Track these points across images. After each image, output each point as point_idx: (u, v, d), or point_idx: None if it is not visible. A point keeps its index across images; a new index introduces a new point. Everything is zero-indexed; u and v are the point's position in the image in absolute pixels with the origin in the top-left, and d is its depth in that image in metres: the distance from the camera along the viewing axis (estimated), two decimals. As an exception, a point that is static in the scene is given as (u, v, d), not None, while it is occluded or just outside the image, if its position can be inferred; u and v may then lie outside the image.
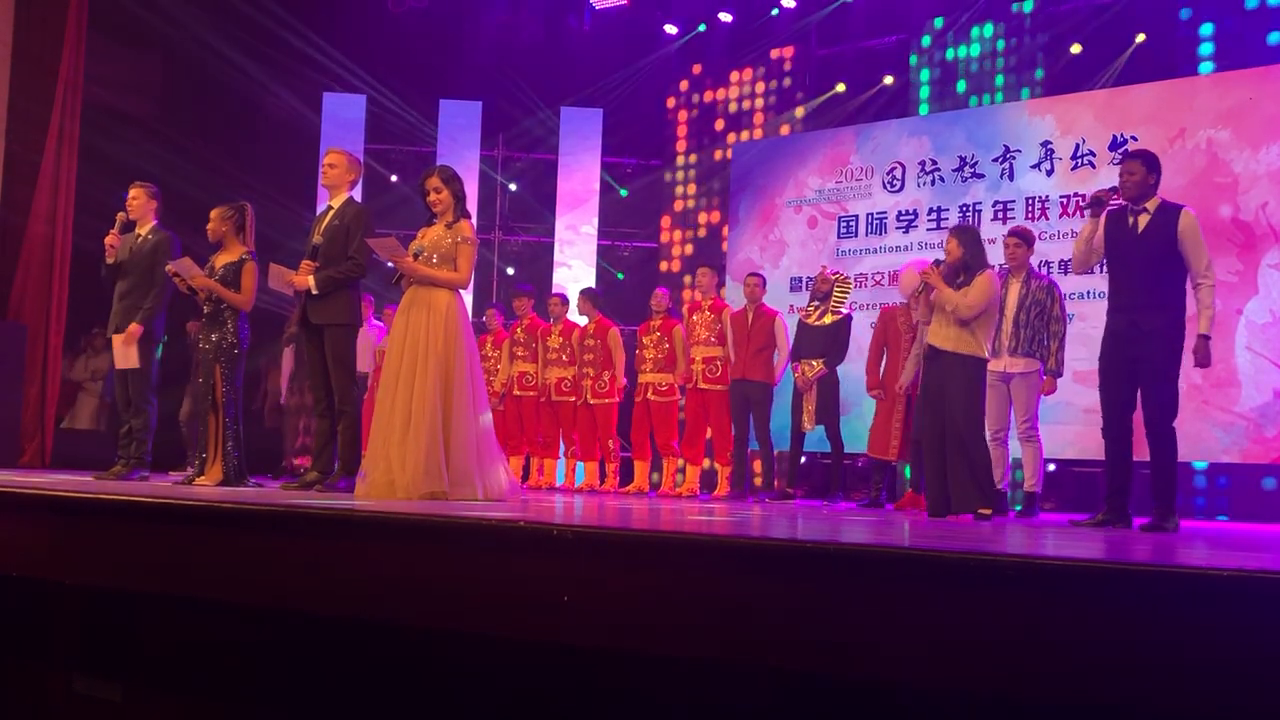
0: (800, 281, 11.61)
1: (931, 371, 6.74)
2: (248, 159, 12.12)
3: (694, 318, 9.49)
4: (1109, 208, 6.08)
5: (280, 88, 12.62)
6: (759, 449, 9.29)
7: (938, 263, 6.88)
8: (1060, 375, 7.57)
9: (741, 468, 9.27)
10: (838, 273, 9.37)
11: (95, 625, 4.30)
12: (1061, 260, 10.06)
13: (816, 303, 9.05)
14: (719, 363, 9.30)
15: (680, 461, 9.87)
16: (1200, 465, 9.51)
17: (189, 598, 3.92)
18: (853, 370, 9.33)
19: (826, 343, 8.87)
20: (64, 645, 4.36)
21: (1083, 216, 9.96)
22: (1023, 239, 7.63)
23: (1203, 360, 5.78)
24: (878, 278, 11.07)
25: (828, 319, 8.90)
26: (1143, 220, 5.85)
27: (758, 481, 9.88)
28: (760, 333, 9.15)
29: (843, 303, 9.07)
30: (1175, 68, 10.27)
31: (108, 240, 7.35)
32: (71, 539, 4.31)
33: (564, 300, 10.61)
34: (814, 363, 8.80)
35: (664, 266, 13.29)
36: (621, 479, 10.16)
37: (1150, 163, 5.91)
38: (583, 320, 10.34)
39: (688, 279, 12.82)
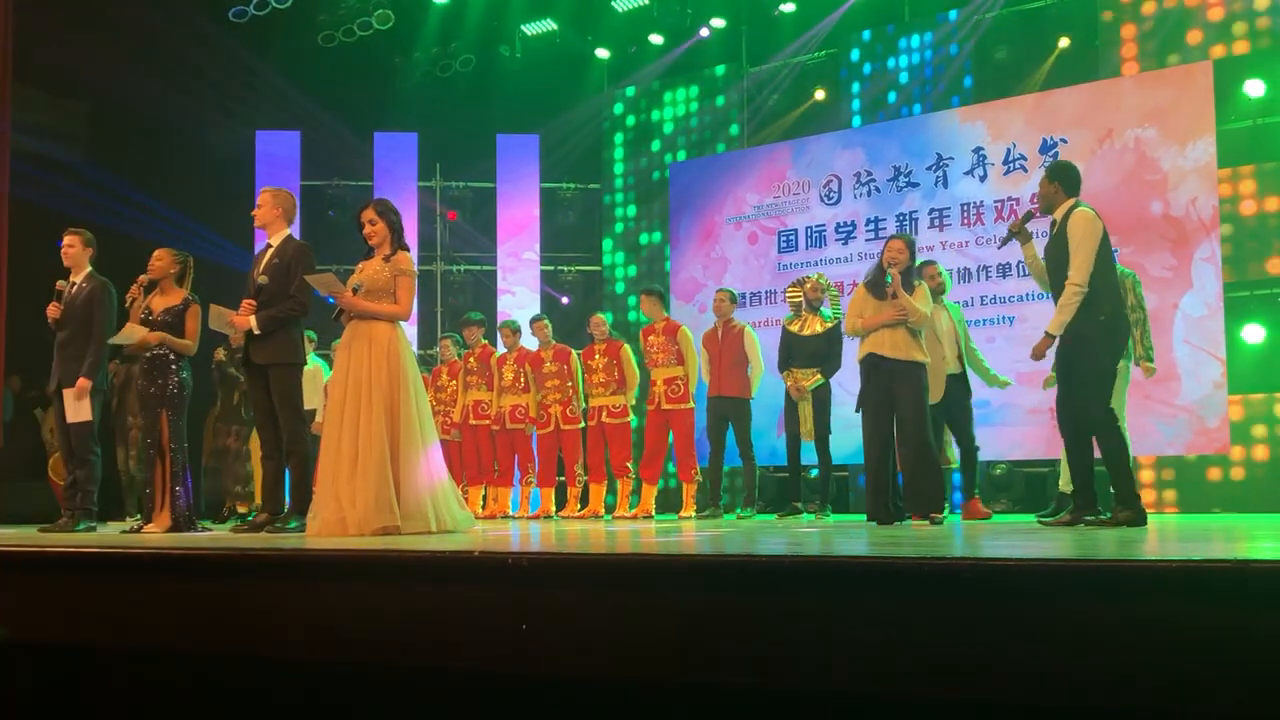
0: (745, 297, 11.66)
1: (876, 380, 6.78)
2: (182, 201, 12.00)
3: (649, 340, 9.45)
4: (1030, 223, 6.25)
5: (212, 127, 12.52)
6: (742, 464, 9.26)
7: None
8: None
9: (718, 484, 9.24)
10: (822, 277, 9.16)
11: (48, 682, 4.22)
12: (999, 264, 10.21)
13: (804, 312, 8.87)
14: (680, 382, 9.25)
15: (634, 483, 9.83)
16: (1146, 459, 9.63)
17: (144, 648, 3.86)
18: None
19: (821, 352, 8.69)
20: (16, 704, 4.28)
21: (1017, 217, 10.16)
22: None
23: (1034, 354, 5.83)
24: (820, 290, 11.16)
25: (818, 328, 8.74)
26: (1053, 229, 5.97)
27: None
28: (732, 347, 9.14)
29: (834, 305, 8.88)
30: (1100, 69, 10.45)
31: (50, 311, 7.23)
32: (21, 595, 4.23)
33: (514, 330, 10.52)
34: (809, 372, 8.65)
35: (608, 289, 13.31)
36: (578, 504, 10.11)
37: (1051, 172, 6.01)
38: (534, 346, 10.31)
39: (633, 300, 12.85)
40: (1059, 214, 5.92)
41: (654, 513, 9.40)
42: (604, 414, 9.61)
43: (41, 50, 11.10)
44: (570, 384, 9.89)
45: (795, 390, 8.68)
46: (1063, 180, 5.95)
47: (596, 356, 9.66)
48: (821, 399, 8.67)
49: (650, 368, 9.43)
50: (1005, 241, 6.31)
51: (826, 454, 8.77)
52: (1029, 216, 6.21)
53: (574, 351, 10.03)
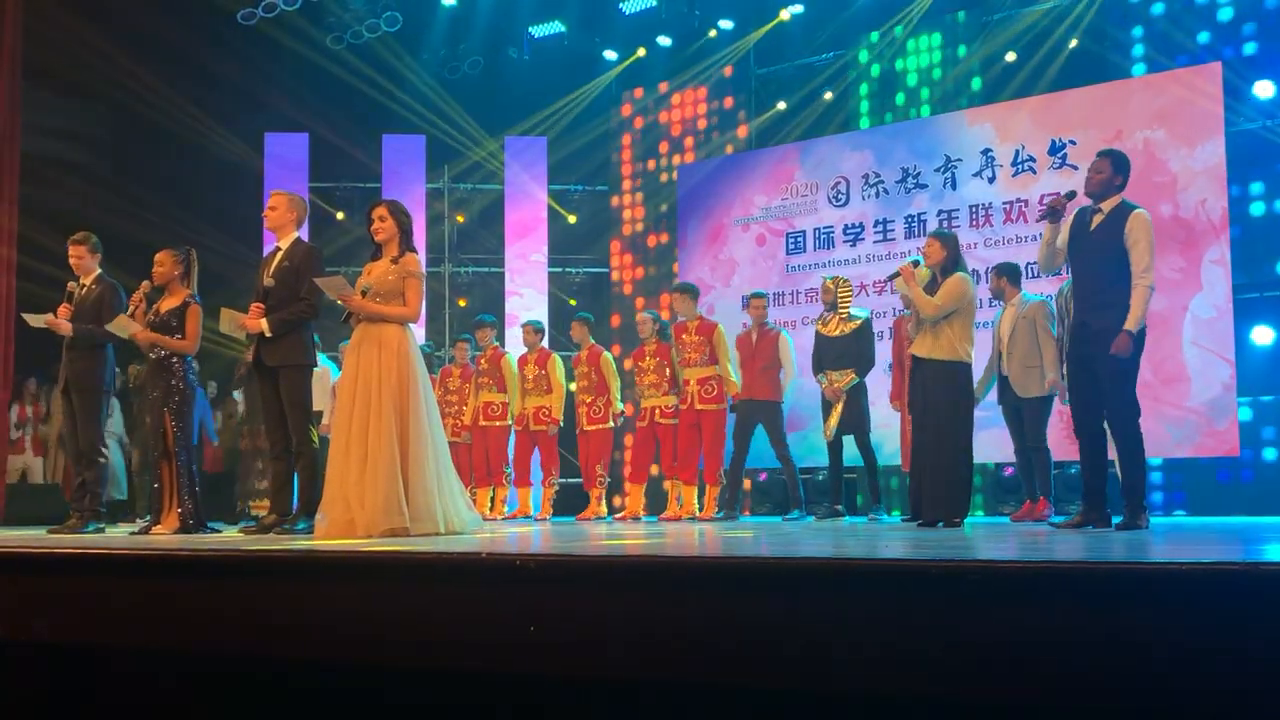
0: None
1: (914, 381, 6.80)
2: (192, 203, 12.03)
3: (682, 338, 9.36)
4: (1069, 209, 6.00)
5: (221, 130, 12.55)
6: (781, 467, 9.20)
7: (915, 263, 6.82)
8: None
9: (737, 487, 9.20)
10: (836, 278, 9.06)
11: (54, 684, 4.23)
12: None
13: (827, 313, 8.84)
14: (714, 382, 9.18)
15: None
16: (1155, 461, 9.60)
17: (148, 648, 3.86)
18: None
19: (852, 352, 8.62)
20: (22, 706, 4.28)
21: (1026, 221, 10.15)
22: None
23: (1117, 349, 5.58)
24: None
25: (846, 328, 8.67)
26: (1097, 219, 5.77)
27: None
28: (765, 351, 9.12)
29: (848, 304, 8.79)
30: (1109, 71, 10.43)
31: (53, 320, 7.23)
32: (24, 595, 4.24)
33: (538, 330, 10.49)
34: (843, 373, 8.56)
35: (615, 291, 13.31)
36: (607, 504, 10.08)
37: (1118, 162, 5.82)
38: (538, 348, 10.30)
39: (640, 302, 12.82)
40: (1107, 205, 5.76)
41: (696, 513, 9.27)
42: (656, 414, 9.48)
43: (52, 52, 11.15)
44: (595, 385, 9.83)
45: (831, 392, 8.61)
46: (1125, 175, 5.81)
47: (647, 358, 9.56)
48: (857, 398, 8.61)
49: (683, 367, 9.36)
50: (1044, 217, 6.03)
51: (870, 453, 8.69)
52: (1072, 195, 5.99)
53: (604, 352, 9.97)
